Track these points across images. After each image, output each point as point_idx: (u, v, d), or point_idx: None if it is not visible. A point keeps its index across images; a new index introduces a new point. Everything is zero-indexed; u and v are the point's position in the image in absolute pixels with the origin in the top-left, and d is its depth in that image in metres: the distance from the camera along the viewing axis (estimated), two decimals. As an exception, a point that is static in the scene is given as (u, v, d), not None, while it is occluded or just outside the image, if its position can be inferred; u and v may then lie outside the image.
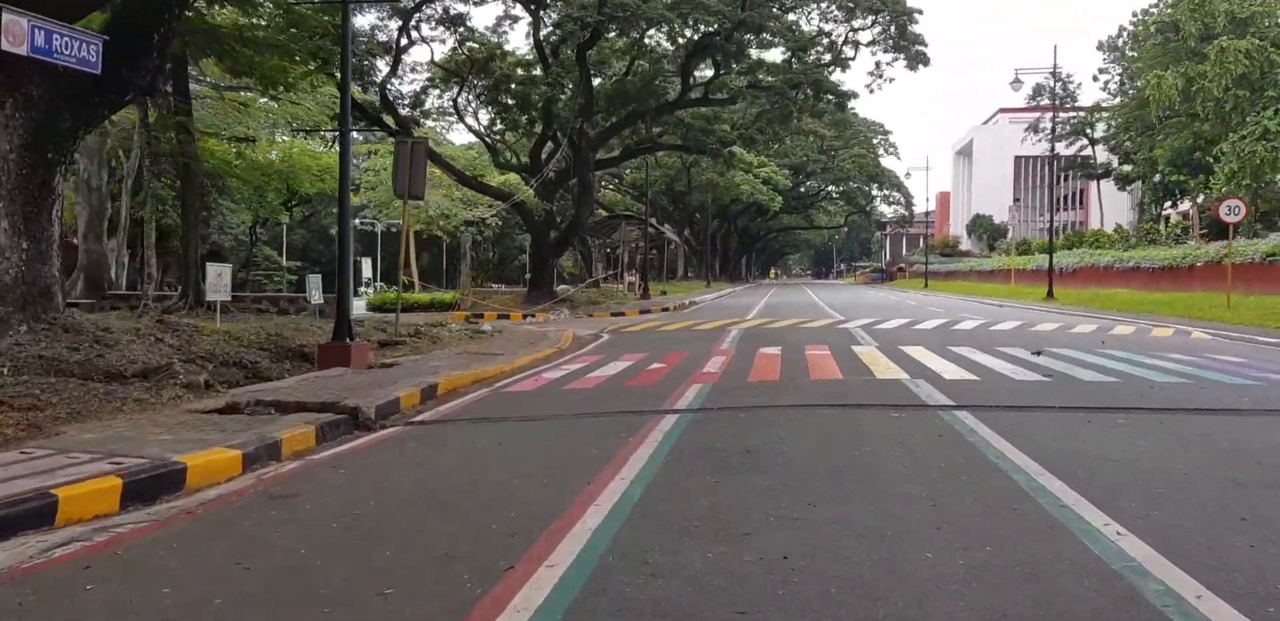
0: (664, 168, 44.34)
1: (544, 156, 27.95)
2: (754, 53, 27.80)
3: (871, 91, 26.66)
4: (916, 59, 26.22)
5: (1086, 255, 36.80)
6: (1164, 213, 58.49)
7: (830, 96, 26.49)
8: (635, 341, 15.01)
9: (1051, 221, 35.59)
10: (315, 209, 44.75)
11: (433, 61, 28.16)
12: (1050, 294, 31.63)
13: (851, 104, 26.37)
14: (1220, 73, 32.74)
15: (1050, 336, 14.84)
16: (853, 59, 27.11)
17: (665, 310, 26.75)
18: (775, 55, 28.45)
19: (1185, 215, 55.72)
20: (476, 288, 33.52)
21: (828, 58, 27.37)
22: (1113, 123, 59.92)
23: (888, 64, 26.96)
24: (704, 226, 63.05)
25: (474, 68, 26.42)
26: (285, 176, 27.61)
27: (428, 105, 29.32)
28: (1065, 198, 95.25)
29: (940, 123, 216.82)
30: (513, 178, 30.58)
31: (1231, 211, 19.24)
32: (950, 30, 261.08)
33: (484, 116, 30.04)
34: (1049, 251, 32.11)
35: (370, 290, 45.44)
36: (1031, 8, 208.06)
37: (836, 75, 27.33)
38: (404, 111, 25.06)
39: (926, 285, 57.88)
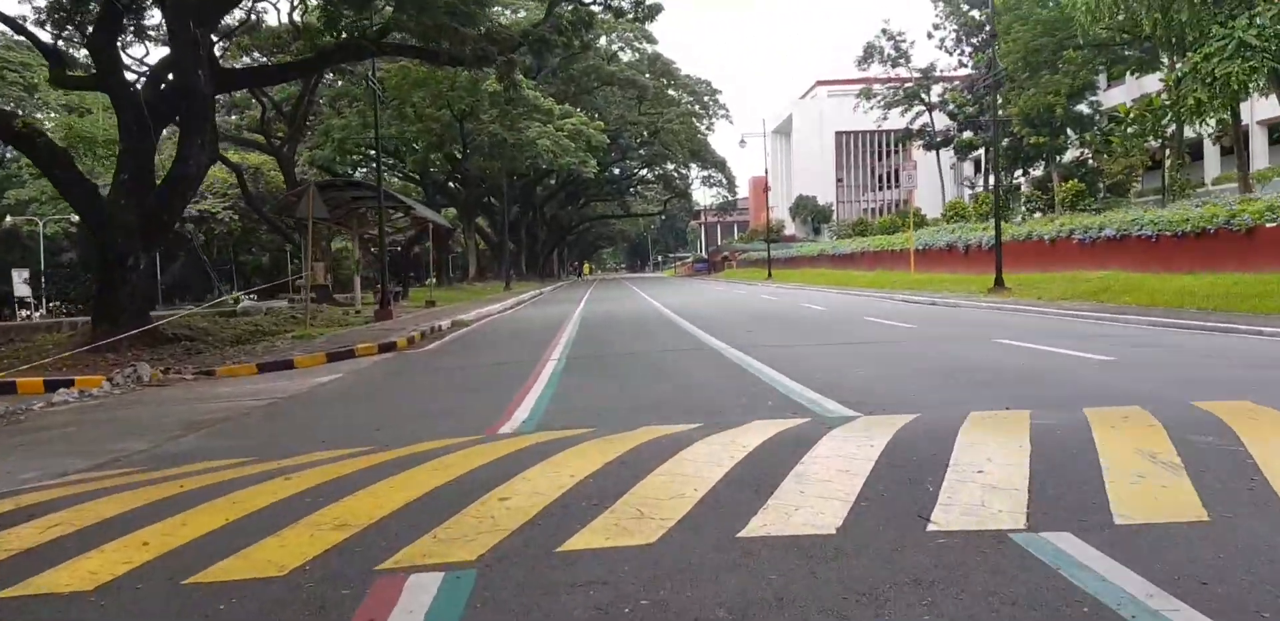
0: (426, 120, 30.15)
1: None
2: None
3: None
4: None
5: (1023, 225, 26.93)
6: (1016, 181, 51.55)
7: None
8: None
9: (998, 179, 25.02)
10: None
11: None
12: (1000, 282, 21.16)
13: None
14: (1184, -29, 23.66)
15: None
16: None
17: (390, 348, 13.54)
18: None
19: (1040, 183, 47.51)
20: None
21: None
22: (949, 86, 53.06)
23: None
24: (502, 213, 49.53)
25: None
26: None
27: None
28: (884, 176, 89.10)
29: (764, 98, 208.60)
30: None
31: None
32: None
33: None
34: (995, 219, 21.56)
35: (36, 314, 32.40)
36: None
37: None
38: None
39: (770, 275, 47.46)
